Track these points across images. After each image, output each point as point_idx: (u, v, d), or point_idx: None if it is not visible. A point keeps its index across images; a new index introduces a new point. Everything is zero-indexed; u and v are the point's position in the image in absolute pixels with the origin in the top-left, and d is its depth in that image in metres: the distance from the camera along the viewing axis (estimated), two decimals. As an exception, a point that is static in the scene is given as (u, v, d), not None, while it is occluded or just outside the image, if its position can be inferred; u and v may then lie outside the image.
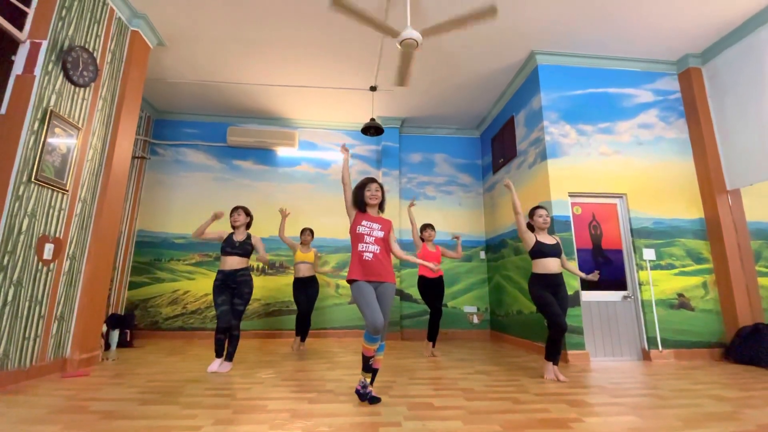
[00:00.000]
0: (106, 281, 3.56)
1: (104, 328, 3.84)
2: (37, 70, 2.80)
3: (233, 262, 3.34)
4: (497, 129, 5.71)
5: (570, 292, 3.69)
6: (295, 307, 4.94)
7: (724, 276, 4.02)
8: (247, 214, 3.54)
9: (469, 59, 4.59)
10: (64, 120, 3.01)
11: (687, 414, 2.14)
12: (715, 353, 3.91)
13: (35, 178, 2.76)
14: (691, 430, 1.90)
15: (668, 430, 1.91)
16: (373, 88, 5.20)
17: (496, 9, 2.83)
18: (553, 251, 3.10)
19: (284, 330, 5.38)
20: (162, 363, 3.51)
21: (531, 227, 3.24)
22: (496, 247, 5.62)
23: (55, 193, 2.98)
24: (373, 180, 2.57)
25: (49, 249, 2.93)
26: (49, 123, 2.85)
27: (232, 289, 3.33)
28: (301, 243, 4.52)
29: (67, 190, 3.09)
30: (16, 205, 2.65)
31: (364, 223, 2.46)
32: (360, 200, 2.52)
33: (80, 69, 3.15)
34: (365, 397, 2.29)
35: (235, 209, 3.51)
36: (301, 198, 5.95)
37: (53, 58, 2.94)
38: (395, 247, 2.53)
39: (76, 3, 3.14)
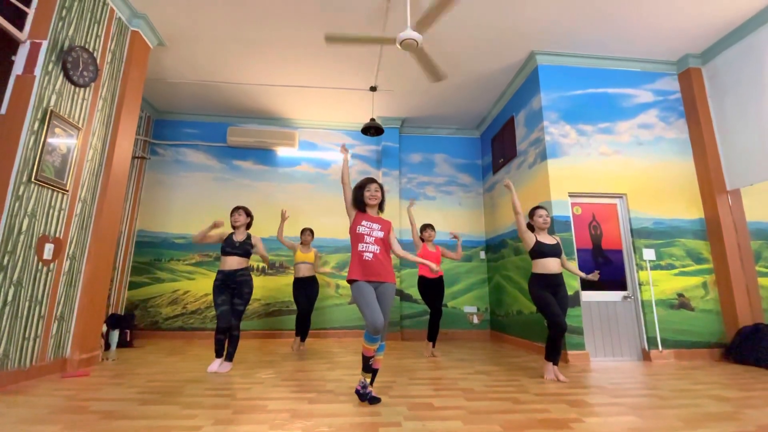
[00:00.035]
0: (106, 281, 3.56)
1: (104, 328, 3.83)
2: (38, 70, 2.80)
3: (233, 263, 3.34)
4: (497, 129, 5.71)
5: (570, 293, 3.69)
6: (295, 307, 4.93)
7: (724, 276, 4.02)
8: (248, 214, 3.54)
9: (469, 59, 4.59)
10: (64, 120, 3.01)
11: (687, 414, 2.14)
12: (715, 353, 3.91)
13: (35, 178, 2.76)
14: (691, 431, 1.90)
15: (668, 430, 1.91)
16: (373, 89, 5.20)
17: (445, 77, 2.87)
18: (553, 251, 3.10)
19: (284, 330, 5.38)
20: (162, 363, 3.51)
21: (531, 227, 3.24)
22: (496, 247, 5.62)
23: (55, 193, 2.98)
24: (372, 180, 2.57)
25: (49, 249, 2.93)
26: (49, 123, 2.85)
27: (232, 289, 3.33)
28: (301, 243, 4.52)
29: (67, 190, 3.09)
30: (16, 205, 2.65)
31: (364, 223, 2.46)
32: (360, 200, 2.52)
33: (80, 69, 3.15)
34: (365, 397, 2.29)
35: (236, 209, 3.51)
36: (301, 198, 5.95)
37: (53, 58, 2.94)
38: (396, 247, 2.53)
39: (76, 3, 3.14)
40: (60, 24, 2.99)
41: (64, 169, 3.04)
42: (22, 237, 2.69)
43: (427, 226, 4.26)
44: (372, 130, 5.09)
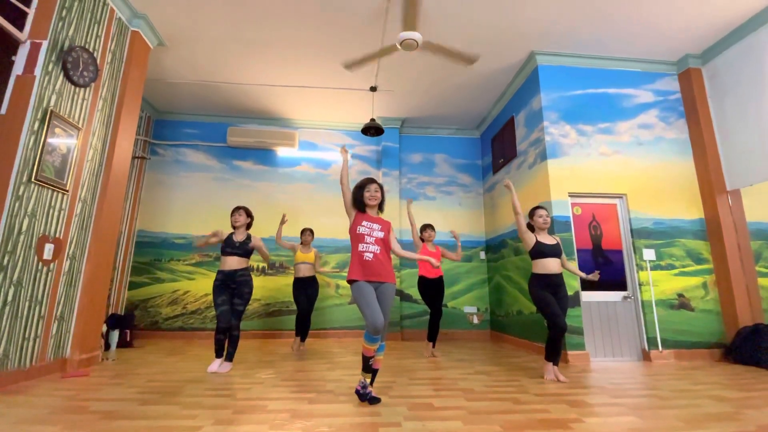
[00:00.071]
0: (106, 281, 3.56)
1: (104, 328, 3.83)
2: (38, 71, 2.80)
3: (233, 263, 3.34)
4: (497, 129, 5.71)
5: (570, 293, 3.69)
6: (295, 307, 4.93)
7: (724, 276, 4.01)
8: (248, 214, 3.54)
9: (469, 59, 4.58)
10: (64, 120, 3.01)
11: (687, 414, 2.14)
12: (715, 353, 3.91)
13: (35, 178, 2.76)
14: (691, 431, 1.90)
15: (668, 430, 1.91)
16: (373, 89, 5.20)
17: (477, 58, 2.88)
18: (553, 251, 3.10)
19: (284, 330, 5.37)
20: (162, 363, 3.50)
21: (531, 227, 3.24)
22: (496, 247, 5.62)
23: (55, 193, 2.98)
24: (372, 180, 2.57)
25: (49, 249, 2.93)
26: (49, 123, 2.85)
27: (232, 289, 3.33)
28: (301, 243, 4.52)
29: (67, 190, 3.09)
30: (16, 205, 2.65)
31: (364, 223, 2.46)
32: (359, 201, 2.52)
33: (80, 69, 3.15)
34: (365, 397, 2.29)
35: (236, 209, 3.51)
36: (301, 198, 5.95)
37: (53, 58, 2.94)
38: (396, 246, 2.53)
39: (76, 3, 3.15)
40: (60, 24, 2.99)
41: (64, 169, 3.04)
42: (22, 237, 2.69)
43: (427, 227, 4.26)
44: (372, 130, 5.09)
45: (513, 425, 1.93)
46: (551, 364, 3.00)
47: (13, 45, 2.73)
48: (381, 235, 2.45)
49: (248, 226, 3.55)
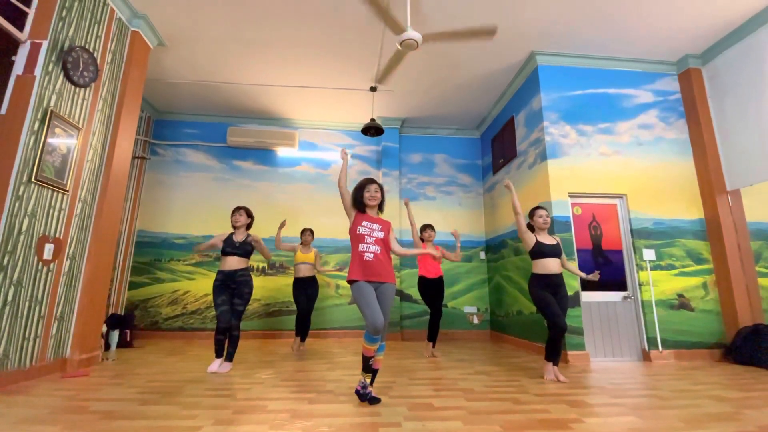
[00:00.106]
0: (106, 281, 3.56)
1: (104, 328, 3.83)
2: (38, 71, 2.80)
3: (233, 263, 3.34)
4: (497, 129, 5.71)
5: (570, 293, 3.69)
6: (295, 307, 4.93)
7: (724, 276, 4.01)
8: (249, 215, 3.54)
9: (469, 59, 4.59)
10: (64, 120, 3.01)
11: (687, 414, 2.14)
12: (715, 354, 3.91)
13: (35, 179, 2.76)
14: (691, 431, 1.90)
15: (668, 430, 1.91)
16: (373, 89, 5.20)
17: (495, 30, 2.88)
18: (553, 251, 3.10)
19: (284, 330, 5.37)
20: (162, 363, 3.50)
21: (531, 227, 3.24)
22: (496, 247, 5.62)
23: (55, 193, 2.98)
24: (372, 181, 2.57)
25: (49, 249, 2.93)
26: (49, 123, 2.85)
27: (232, 289, 3.33)
28: (301, 243, 4.52)
29: (67, 190, 3.09)
30: (16, 205, 2.65)
31: (364, 223, 2.46)
32: (359, 201, 2.52)
33: (80, 69, 3.15)
34: (365, 397, 2.29)
35: (237, 210, 3.51)
36: (301, 198, 5.95)
37: (53, 58, 2.94)
38: (395, 246, 2.54)
39: (76, 3, 3.15)
40: (60, 24, 2.99)
41: (64, 169, 3.04)
42: (22, 237, 2.69)
43: (427, 227, 4.26)
44: (372, 130, 5.09)
45: (513, 425, 1.94)
46: (551, 364, 3.00)
47: (13, 45, 2.73)
48: (381, 235, 2.45)
49: (248, 226, 3.56)
